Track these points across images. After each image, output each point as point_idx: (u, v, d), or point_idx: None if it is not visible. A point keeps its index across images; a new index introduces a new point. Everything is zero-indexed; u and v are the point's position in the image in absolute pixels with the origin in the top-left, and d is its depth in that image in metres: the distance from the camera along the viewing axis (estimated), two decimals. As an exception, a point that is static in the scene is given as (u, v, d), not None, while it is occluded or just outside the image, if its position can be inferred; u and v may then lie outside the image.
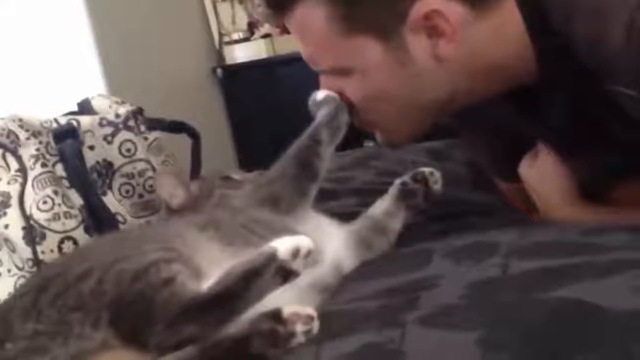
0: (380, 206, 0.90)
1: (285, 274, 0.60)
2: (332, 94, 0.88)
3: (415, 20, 0.79)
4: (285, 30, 2.66)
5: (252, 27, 2.65)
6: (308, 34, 0.85)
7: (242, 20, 2.70)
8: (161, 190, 0.87)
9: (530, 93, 0.87)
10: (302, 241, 0.60)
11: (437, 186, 0.90)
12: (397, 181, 0.91)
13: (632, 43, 0.71)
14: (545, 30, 0.80)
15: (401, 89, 0.84)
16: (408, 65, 0.82)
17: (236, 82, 2.65)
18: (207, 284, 0.60)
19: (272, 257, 0.59)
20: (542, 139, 0.97)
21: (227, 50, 2.66)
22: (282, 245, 0.60)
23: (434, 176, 0.90)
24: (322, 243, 0.78)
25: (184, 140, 1.15)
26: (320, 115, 0.87)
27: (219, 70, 2.65)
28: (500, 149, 1.05)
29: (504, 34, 0.82)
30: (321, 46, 0.85)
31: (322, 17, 0.82)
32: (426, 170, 0.90)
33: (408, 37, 0.81)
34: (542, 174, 0.98)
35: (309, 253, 0.60)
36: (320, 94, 0.89)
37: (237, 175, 0.91)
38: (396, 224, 0.89)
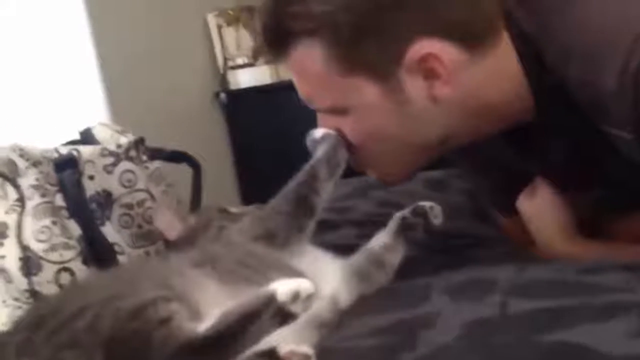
0: (379, 240, 0.89)
1: (284, 317, 0.59)
2: (330, 131, 0.88)
3: (410, 63, 0.80)
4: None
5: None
6: (305, 75, 0.86)
7: (247, 45, 2.72)
8: (159, 222, 0.88)
9: (528, 131, 0.87)
10: (302, 284, 0.60)
11: (437, 220, 0.90)
12: (397, 215, 0.90)
13: (624, 88, 0.71)
14: (541, 71, 0.81)
15: (398, 129, 0.85)
16: (405, 106, 0.83)
17: (239, 106, 2.66)
18: (204, 323, 0.59)
19: (272, 299, 0.59)
20: (540, 175, 0.97)
21: (231, 74, 2.67)
22: (282, 288, 0.59)
23: (434, 210, 0.90)
24: (319, 278, 0.78)
25: (185, 168, 1.15)
26: (319, 151, 0.87)
27: (222, 95, 2.66)
28: (498, 182, 1.06)
29: (501, 74, 0.83)
30: (319, 86, 0.85)
31: (320, 58, 0.82)
32: (426, 204, 0.90)
33: (404, 79, 0.81)
34: (540, 209, 0.98)
35: (308, 296, 0.60)
36: (318, 132, 0.89)
37: (235, 208, 0.92)
38: (395, 258, 0.88)
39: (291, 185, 0.85)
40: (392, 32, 0.79)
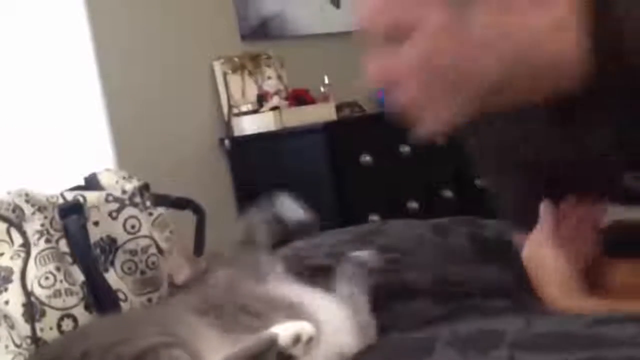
0: None
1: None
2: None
3: None
4: (293, 103, 2.72)
5: (261, 99, 2.70)
6: None
7: (252, 92, 2.76)
8: (168, 265, 0.88)
9: (576, 110, 0.86)
10: (304, 327, 0.61)
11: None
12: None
13: None
14: (606, 22, 0.81)
15: (460, 58, 0.83)
16: (471, 33, 0.82)
17: (243, 152, 2.68)
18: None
19: (273, 342, 0.60)
20: (573, 166, 0.94)
21: (235, 121, 2.70)
22: (284, 331, 0.60)
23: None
24: (322, 321, 0.78)
25: (189, 213, 1.16)
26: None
27: (226, 141, 2.69)
28: (521, 188, 1.03)
29: (564, 28, 0.83)
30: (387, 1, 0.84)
31: None
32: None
33: (480, 4, 0.81)
34: (543, 262, 0.97)
35: (310, 339, 0.60)
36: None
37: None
38: None
39: None
40: None
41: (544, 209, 0.99)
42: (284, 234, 0.94)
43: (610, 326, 0.73)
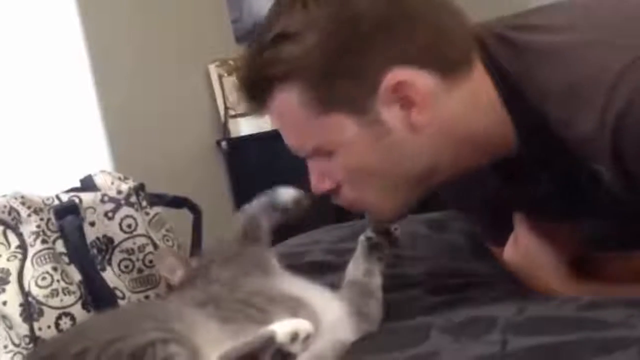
0: (358, 268, 0.90)
1: (283, 356, 0.61)
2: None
3: (385, 93, 0.81)
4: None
5: (256, 100, 2.71)
6: (286, 121, 0.87)
7: (247, 93, 2.77)
8: (162, 268, 0.89)
9: (516, 163, 0.87)
10: (302, 325, 0.62)
11: (397, 232, 0.91)
12: (362, 238, 0.92)
13: (605, 125, 0.72)
14: (522, 108, 0.81)
15: (382, 162, 0.85)
16: (385, 137, 0.83)
17: (239, 153, 2.69)
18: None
19: (271, 340, 0.60)
20: (531, 208, 0.96)
21: (232, 123, 2.71)
22: (282, 329, 0.61)
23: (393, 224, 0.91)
24: (321, 315, 0.78)
25: (186, 214, 1.16)
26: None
27: (223, 143, 2.70)
28: (490, 217, 1.05)
29: (478, 105, 0.83)
30: (300, 130, 0.86)
31: (296, 101, 0.83)
32: None
33: (381, 110, 0.81)
34: (528, 255, 0.98)
35: (307, 336, 0.61)
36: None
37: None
38: (378, 281, 0.89)
39: None
40: (363, 66, 0.81)
41: (518, 219, 1.01)
42: (283, 219, 0.93)
43: (601, 310, 0.74)
